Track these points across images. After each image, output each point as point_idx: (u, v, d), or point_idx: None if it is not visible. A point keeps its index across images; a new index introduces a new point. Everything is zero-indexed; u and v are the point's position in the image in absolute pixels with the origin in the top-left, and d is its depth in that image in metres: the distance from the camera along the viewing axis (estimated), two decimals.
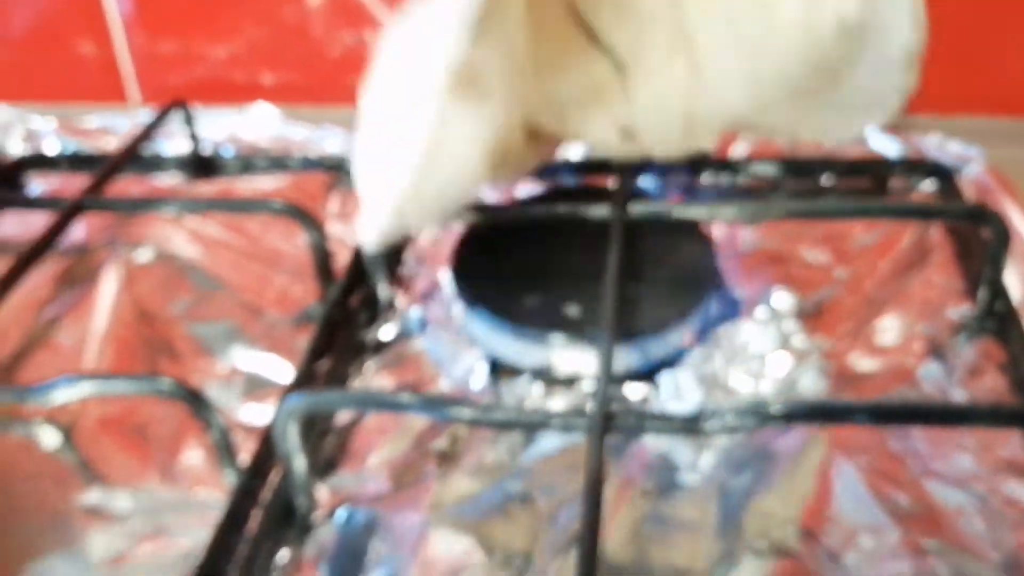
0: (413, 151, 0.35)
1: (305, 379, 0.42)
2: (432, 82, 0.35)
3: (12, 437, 0.41)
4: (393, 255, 0.49)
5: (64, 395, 0.38)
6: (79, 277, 0.49)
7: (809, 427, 0.37)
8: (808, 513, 0.34)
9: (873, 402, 0.35)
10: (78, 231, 0.52)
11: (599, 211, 0.44)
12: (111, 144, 0.62)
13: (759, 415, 0.33)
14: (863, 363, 0.41)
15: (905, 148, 0.54)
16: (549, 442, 0.38)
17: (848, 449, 0.36)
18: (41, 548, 0.36)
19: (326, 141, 0.61)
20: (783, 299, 0.43)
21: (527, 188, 0.54)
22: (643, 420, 0.33)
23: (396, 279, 0.49)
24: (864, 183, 0.54)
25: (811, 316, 0.43)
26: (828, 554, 0.32)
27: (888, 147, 0.55)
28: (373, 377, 0.43)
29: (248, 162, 0.60)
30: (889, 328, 0.42)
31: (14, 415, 0.41)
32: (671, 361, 0.41)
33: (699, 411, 0.33)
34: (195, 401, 0.37)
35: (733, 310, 0.43)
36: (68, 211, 0.48)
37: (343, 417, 0.41)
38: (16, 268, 0.44)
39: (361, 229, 0.40)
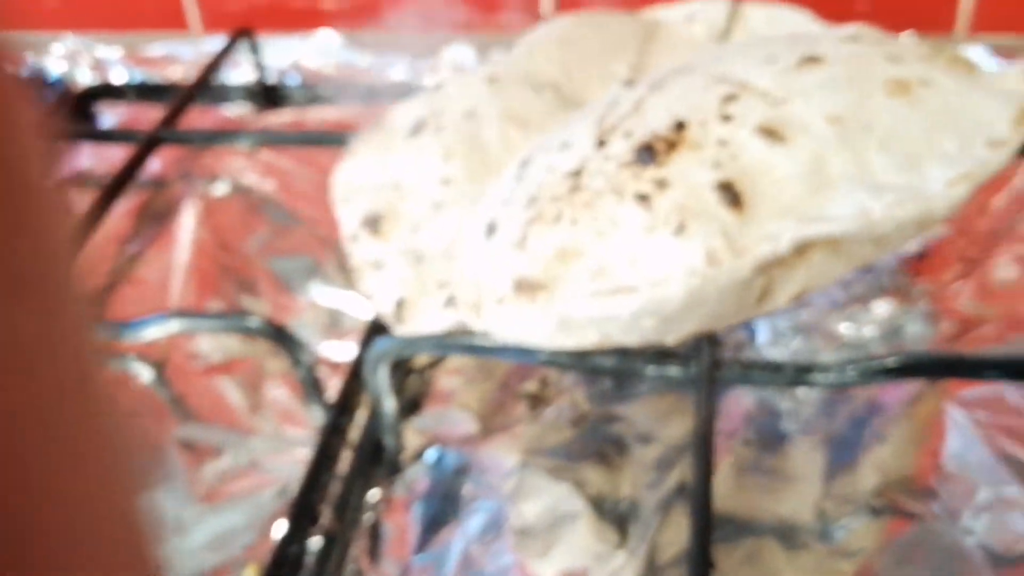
0: None
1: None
2: None
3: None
4: None
5: (155, 331, 0.38)
6: (158, 211, 0.49)
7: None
8: (923, 468, 0.32)
9: (1004, 356, 0.32)
10: (153, 164, 0.52)
11: None
12: (176, 72, 0.61)
13: (874, 369, 0.31)
14: (974, 308, 0.39)
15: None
16: (639, 388, 0.37)
17: (963, 401, 0.34)
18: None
19: (391, 68, 0.59)
20: None
21: None
22: (750, 370, 0.32)
23: None
24: None
25: (914, 258, 0.41)
26: (946, 512, 0.31)
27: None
28: None
29: (314, 92, 0.59)
30: (1003, 269, 0.40)
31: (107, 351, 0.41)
32: None
33: (809, 363, 0.31)
34: (283, 339, 0.37)
35: None
36: (145, 145, 0.48)
37: (425, 357, 0.41)
38: (100, 202, 0.44)
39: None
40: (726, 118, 0.29)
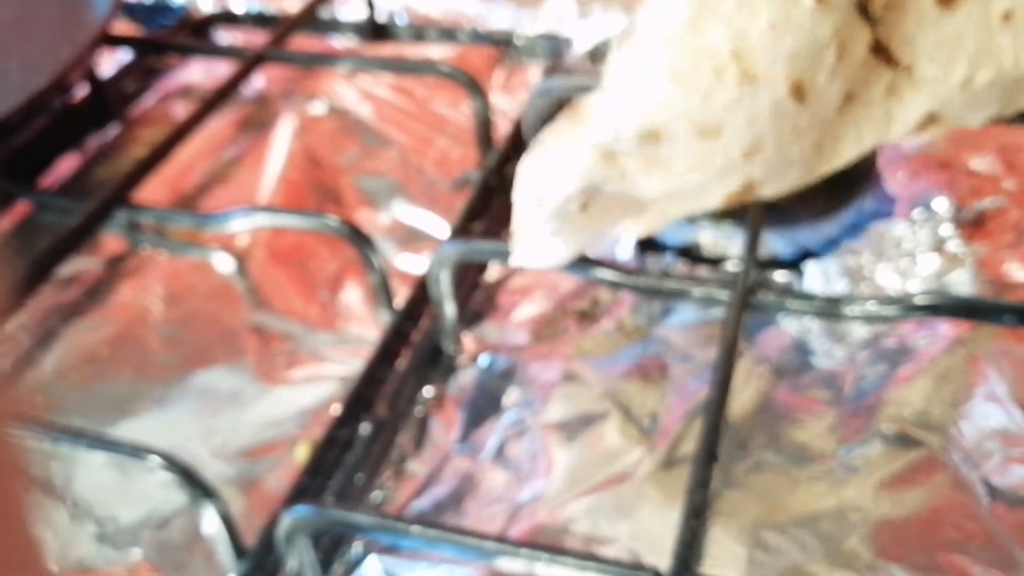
0: None
1: (460, 235, 0.44)
2: None
3: (190, 259, 0.45)
4: None
5: (240, 224, 0.41)
6: (258, 124, 0.53)
7: (955, 328, 0.36)
8: (943, 408, 0.33)
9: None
10: (258, 82, 0.55)
11: None
12: (293, 6, 0.64)
13: (902, 305, 0.33)
14: (1020, 273, 0.40)
15: None
16: (686, 314, 0.39)
17: (995, 355, 0.35)
18: (210, 358, 0.40)
19: (494, 16, 0.61)
20: (942, 203, 0.42)
21: None
22: (784, 298, 0.33)
23: None
24: None
25: (970, 223, 0.42)
26: (957, 449, 0.32)
27: None
28: None
29: (419, 31, 0.61)
30: None
31: (193, 240, 0.45)
32: (820, 251, 0.41)
33: (841, 295, 0.33)
34: (360, 240, 0.40)
35: (888, 209, 0.43)
36: (251, 61, 0.51)
37: (492, 274, 0.43)
38: (201, 110, 0.48)
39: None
40: None
